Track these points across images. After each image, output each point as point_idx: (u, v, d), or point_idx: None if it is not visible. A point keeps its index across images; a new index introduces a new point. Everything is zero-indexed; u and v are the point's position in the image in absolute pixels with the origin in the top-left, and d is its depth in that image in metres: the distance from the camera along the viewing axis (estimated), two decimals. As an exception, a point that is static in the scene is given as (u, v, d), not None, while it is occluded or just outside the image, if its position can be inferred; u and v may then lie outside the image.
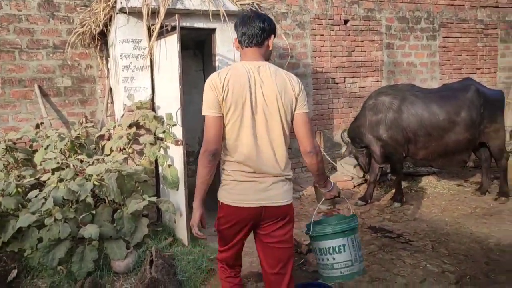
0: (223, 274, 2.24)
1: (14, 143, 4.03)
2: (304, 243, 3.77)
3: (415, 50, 7.01)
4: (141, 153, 4.06)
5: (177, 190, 3.81)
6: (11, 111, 4.70)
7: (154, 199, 3.56)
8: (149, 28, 3.92)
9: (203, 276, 3.23)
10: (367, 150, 5.15)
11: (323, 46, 6.31)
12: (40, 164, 3.66)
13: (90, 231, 3.12)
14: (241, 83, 1.90)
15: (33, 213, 3.11)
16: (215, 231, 4.24)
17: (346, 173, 5.89)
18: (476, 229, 4.01)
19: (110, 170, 3.41)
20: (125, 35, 3.97)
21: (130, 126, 3.96)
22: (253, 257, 3.39)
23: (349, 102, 6.52)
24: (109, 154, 3.92)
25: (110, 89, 4.92)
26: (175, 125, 3.77)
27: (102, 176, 3.39)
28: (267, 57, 2.05)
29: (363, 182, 5.61)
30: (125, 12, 3.85)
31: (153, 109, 4.14)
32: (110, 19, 4.25)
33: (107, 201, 3.55)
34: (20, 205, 3.29)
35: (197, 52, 5.77)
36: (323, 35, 6.29)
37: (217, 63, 4.26)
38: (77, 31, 4.57)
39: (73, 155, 3.86)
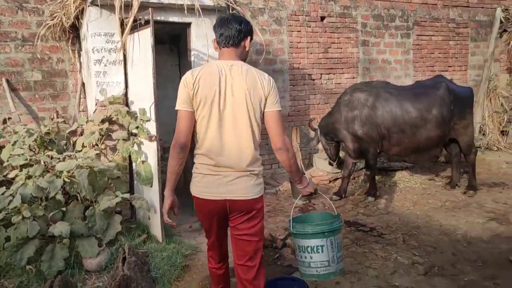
0: (210, 264, 2.38)
1: (-20, 139, 3.89)
2: (279, 238, 3.81)
3: (389, 47, 7.13)
4: (114, 149, 3.99)
5: (151, 186, 3.77)
6: (-23, 106, 4.54)
7: (127, 195, 3.51)
8: (122, 22, 3.85)
9: (177, 272, 3.22)
10: (337, 143, 5.23)
11: (299, 42, 6.34)
12: (7, 161, 3.55)
13: (60, 228, 3.06)
14: (212, 81, 1.99)
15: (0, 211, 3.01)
16: (190, 227, 4.23)
17: (322, 168, 5.97)
18: (445, 221, 4.14)
19: (81, 166, 3.34)
20: (97, 28, 3.88)
21: (103, 121, 3.88)
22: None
23: (325, 98, 6.58)
24: (81, 150, 3.83)
25: (83, 84, 4.81)
26: (149, 120, 3.72)
27: (72, 172, 3.31)
28: (243, 58, 2.15)
29: (338, 177, 5.69)
30: (97, 5, 3.76)
31: (127, 104, 4.08)
32: (81, 12, 4.14)
33: (79, 198, 3.47)
34: (-15, 203, 3.18)
35: (173, 46, 5.69)
36: (300, 31, 6.32)
37: (192, 58, 4.22)
38: (47, 24, 4.43)
39: (43, 151, 3.76)
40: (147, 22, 3.50)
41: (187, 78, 2.03)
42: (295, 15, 6.26)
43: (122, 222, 3.55)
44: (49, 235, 3.10)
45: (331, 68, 6.63)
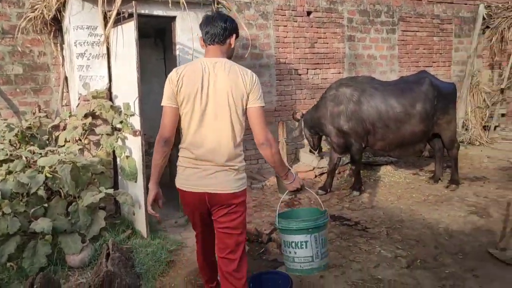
0: (197, 255, 2.45)
1: (-41, 134, 3.79)
2: (264, 233, 3.82)
3: (375, 43, 7.18)
4: (97, 144, 3.94)
5: (136, 181, 3.74)
6: (-44, 100, 4.42)
7: (111, 191, 3.48)
8: (105, 15, 3.78)
9: (162, 268, 3.21)
10: (319, 134, 5.27)
11: (286, 37, 6.33)
12: (-13, 156, 3.47)
13: (42, 225, 3.02)
14: (195, 78, 2.06)
15: (-21, 208, 2.95)
16: (175, 222, 4.22)
17: (308, 163, 6.00)
18: (428, 215, 4.21)
19: (63, 162, 3.29)
20: (80, 21, 3.81)
21: (86, 116, 3.82)
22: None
23: (312, 93, 6.60)
24: (63, 145, 3.78)
25: (66, 78, 4.72)
26: (133, 115, 3.68)
27: (55, 168, 3.26)
28: (230, 55, 2.22)
29: (324, 172, 5.73)
30: (79, -3, 3.70)
31: (110, 99, 4.02)
32: (63, 4, 4.05)
33: (61, 194, 3.42)
34: (-36, 199, 3.11)
35: (158, 40, 5.63)
36: (286, 26, 6.31)
37: (177, 52, 4.18)
38: (28, 16, 4.33)
39: (24, 146, 3.69)
40: (130, 15, 3.45)
41: (172, 75, 2.10)
42: (282, 9, 6.25)
43: (106, 218, 3.52)
44: (31, 231, 3.05)
45: (318, 63, 6.66)
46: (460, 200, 4.64)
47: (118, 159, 3.98)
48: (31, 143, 3.76)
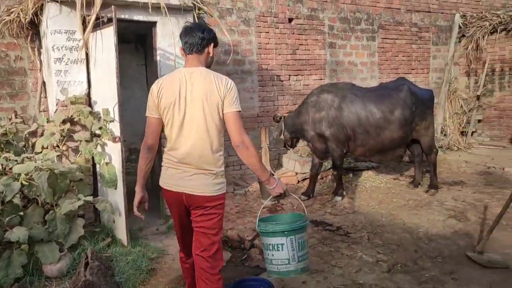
0: (180, 255, 2.55)
1: None
2: (247, 239, 3.80)
3: (356, 50, 7.29)
4: (76, 150, 3.86)
5: (116, 188, 3.68)
6: None
7: (90, 198, 3.42)
8: (84, 19, 3.72)
9: (143, 276, 3.16)
10: (298, 137, 5.32)
11: (268, 43, 6.37)
12: (-40, 163, 3.36)
13: (17, 234, 2.94)
14: (173, 89, 2.19)
15: (-50, 217, 2.85)
16: (157, 229, 4.18)
17: (291, 168, 6.02)
18: (408, 220, 4.27)
19: (40, 169, 3.21)
20: (57, 25, 3.74)
21: (64, 122, 3.75)
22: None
23: (294, 99, 6.64)
24: (41, 152, 3.69)
25: (44, 83, 4.62)
26: (113, 121, 3.62)
27: (31, 175, 3.18)
28: (208, 63, 2.34)
29: (307, 177, 5.75)
30: (57, 1, 3.63)
31: (90, 105, 3.95)
32: (41, 8, 3.98)
33: (38, 202, 3.33)
34: None
35: (139, 46, 5.59)
36: (268, 32, 6.35)
37: (158, 58, 4.15)
38: (4, 19, 4.22)
39: (-1, 153, 3.58)
40: (110, 20, 3.41)
41: (153, 88, 2.25)
42: (263, 16, 6.28)
43: (85, 226, 3.45)
44: (6, 241, 2.96)
45: (299, 70, 6.71)
46: (439, 204, 4.73)
47: (97, 166, 3.91)
48: (7, 150, 3.66)
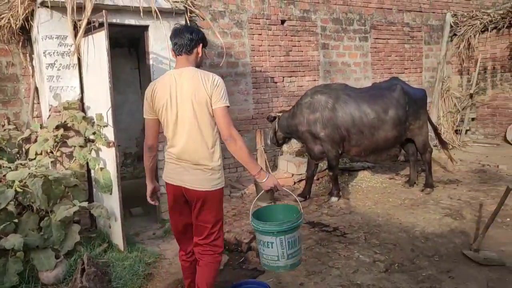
0: (179, 253, 2.62)
1: None
2: (244, 242, 3.79)
3: (348, 50, 7.32)
4: (70, 156, 3.84)
5: (111, 194, 3.65)
6: None
7: (85, 204, 3.40)
8: (75, 24, 3.71)
9: (140, 281, 3.15)
10: (289, 138, 5.32)
11: (261, 45, 6.38)
12: (-47, 171, 3.32)
13: (12, 241, 2.91)
14: (164, 91, 2.30)
15: None
16: (153, 234, 4.17)
17: (287, 170, 6.02)
18: (404, 219, 4.28)
19: (34, 175, 3.19)
20: (49, 31, 3.72)
21: (57, 127, 3.72)
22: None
23: (288, 101, 6.65)
24: (34, 158, 3.66)
25: (36, 89, 4.59)
26: (106, 126, 3.60)
27: (25, 182, 3.15)
28: (198, 63, 2.42)
29: (303, 178, 5.76)
30: (48, 6, 3.61)
31: (83, 110, 3.93)
32: (31, 14, 3.96)
33: (33, 208, 3.31)
34: None
35: (132, 50, 5.57)
36: (261, 34, 6.36)
37: (151, 62, 4.14)
38: (-6, 25, 4.20)
39: (-8, 160, 3.55)
40: (101, 25, 3.40)
41: (148, 90, 2.37)
42: (256, 18, 6.29)
43: (81, 232, 3.43)
44: (1, 248, 2.93)
45: (293, 71, 6.72)
46: (435, 203, 4.74)
47: (92, 171, 3.89)
48: (0, 157, 3.62)
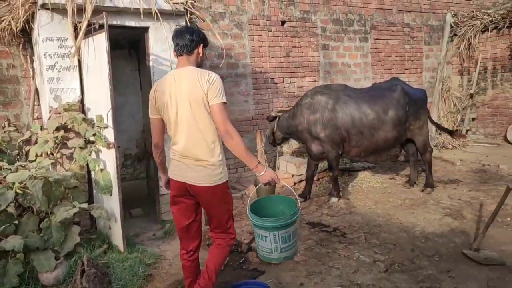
0: (181, 252, 2.66)
1: None
2: (244, 242, 3.79)
3: (349, 51, 7.32)
4: (70, 157, 3.85)
5: (111, 195, 3.66)
6: None
7: (85, 205, 3.40)
8: (76, 26, 3.72)
9: (140, 282, 3.16)
10: (288, 138, 5.33)
11: (261, 46, 6.39)
12: (-48, 173, 3.33)
13: (12, 243, 2.92)
14: (165, 90, 2.38)
15: None
16: (154, 235, 4.17)
17: (287, 171, 6.02)
18: (404, 219, 4.28)
19: (34, 177, 3.19)
20: (49, 33, 3.73)
21: (58, 129, 3.73)
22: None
23: (288, 101, 6.66)
24: (35, 160, 3.67)
25: (37, 90, 4.61)
26: (107, 127, 3.61)
27: (25, 183, 3.16)
28: (199, 63, 2.49)
29: (303, 179, 5.76)
30: (48, 9, 3.62)
31: (83, 111, 3.94)
32: (32, 16, 3.97)
33: (33, 210, 3.32)
34: None
35: (133, 51, 5.58)
36: (261, 35, 6.37)
37: (151, 63, 4.15)
38: (-5, 28, 4.21)
39: (-8, 162, 3.56)
40: (101, 27, 3.41)
41: (151, 92, 2.47)
42: (256, 19, 6.30)
43: (81, 233, 3.44)
44: (1, 250, 2.93)
45: (293, 72, 6.73)
46: (435, 203, 4.74)
47: (92, 173, 3.90)
48: (0, 158, 3.63)
